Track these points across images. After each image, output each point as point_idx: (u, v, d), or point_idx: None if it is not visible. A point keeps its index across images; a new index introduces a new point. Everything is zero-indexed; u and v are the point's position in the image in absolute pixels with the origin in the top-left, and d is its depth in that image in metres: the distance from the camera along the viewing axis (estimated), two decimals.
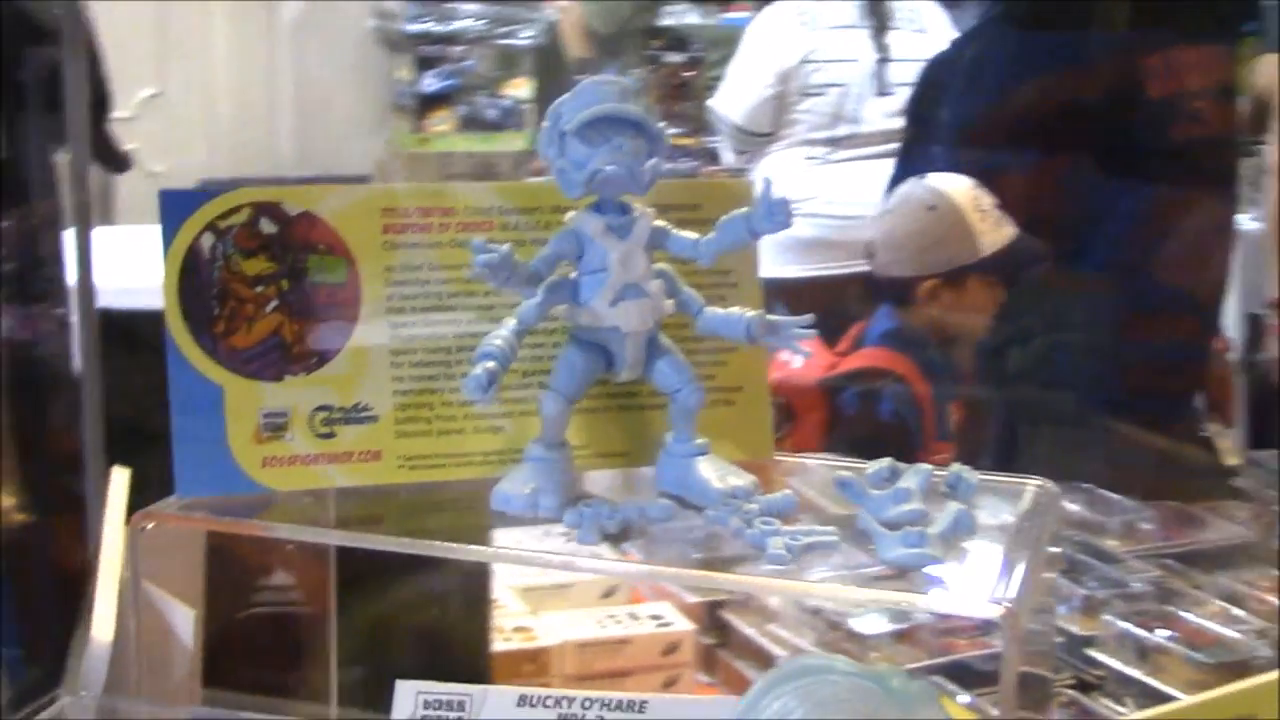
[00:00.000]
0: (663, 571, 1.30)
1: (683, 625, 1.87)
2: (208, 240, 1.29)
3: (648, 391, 1.34)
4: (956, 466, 1.28)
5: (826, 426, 2.57)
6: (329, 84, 5.36)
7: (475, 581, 1.70)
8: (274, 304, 1.29)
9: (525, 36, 5.28)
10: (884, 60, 4.19)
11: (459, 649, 1.71)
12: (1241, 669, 1.84)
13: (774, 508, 1.24)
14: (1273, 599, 2.10)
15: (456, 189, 1.34)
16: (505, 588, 1.87)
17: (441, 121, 5.25)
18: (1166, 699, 1.80)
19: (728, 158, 4.44)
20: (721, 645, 2.00)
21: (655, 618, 1.88)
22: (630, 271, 1.25)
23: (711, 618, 2.00)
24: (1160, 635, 1.92)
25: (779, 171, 4.16)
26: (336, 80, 5.38)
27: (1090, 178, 2.73)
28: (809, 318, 1.26)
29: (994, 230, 2.64)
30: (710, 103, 4.39)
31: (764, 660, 1.92)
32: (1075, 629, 1.97)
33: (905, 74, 4.17)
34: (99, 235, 2.16)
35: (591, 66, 4.69)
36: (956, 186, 2.66)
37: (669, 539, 1.25)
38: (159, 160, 4.90)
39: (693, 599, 1.98)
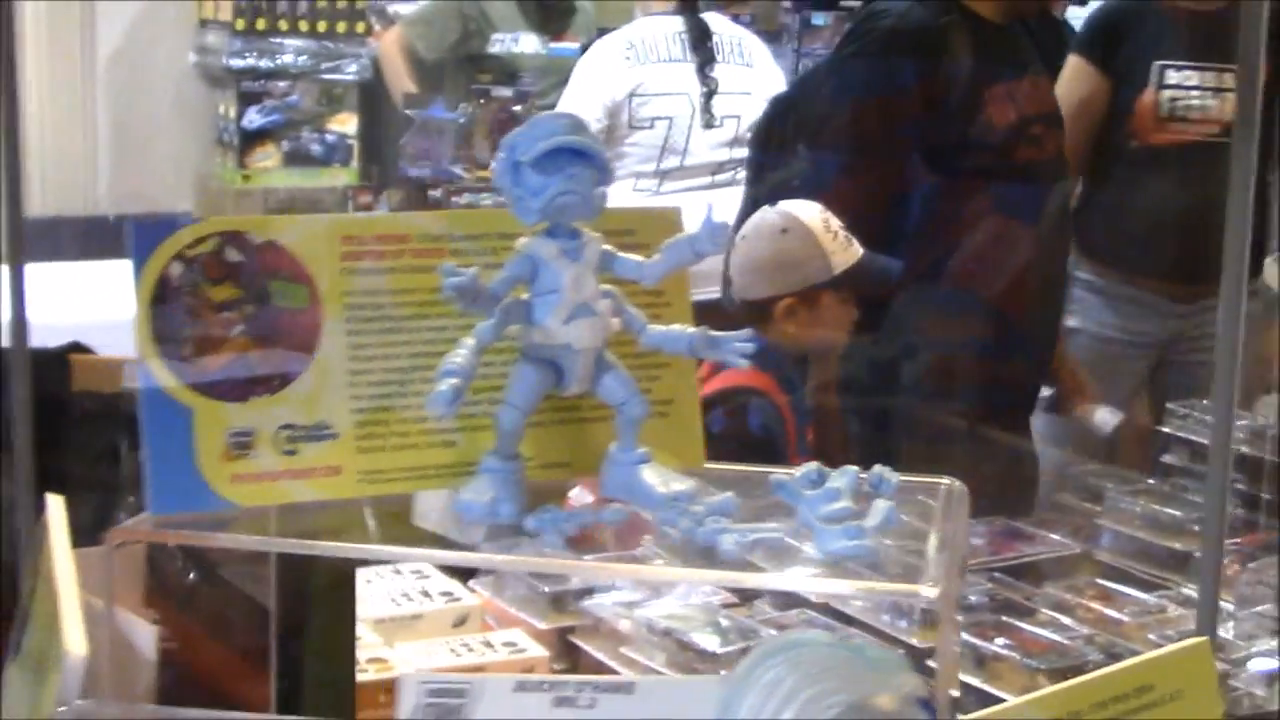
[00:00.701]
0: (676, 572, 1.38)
1: (536, 651, 1.89)
2: (176, 269, 1.35)
3: (589, 405, 1.43)
4: (878, 468, 1.39)
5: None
6: (149, 121, 5.32)
7: (342, 610, 1.74)
8: (239, 328, 1.35)
9: (350, 71, 5.32)
10: (710, 93, 4.31)
11: (326, 680, 1.74)
12: (1074, 673, 1.95)
13: (719, 509, 1.33)
14: (1098, 607, 2.22)
15: (410, 219, 1.42)
16: (360, 621, 1.88)
17: (266, 157, 5.26)
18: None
19: None
20: (572, 670, 2.01)
21: (509, 644, 1.90)
22: (581, 292, 1.35)
23: (562, 643, 2.02)
24: (997, 644, 1.99)
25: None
26: (156, 117, 5.35)
27: (937, 199, 2.85)
28: (748, 332, 1.37)
29: (844, 250, 2.76)
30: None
31: None
32: (914, 641, 2.04)
33: (731, 106, 4.32)
34: None
35: (418, 101, 4.76)
36: (807, 210, 2.78)
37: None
38: None
39: (544, 625, 2.02)
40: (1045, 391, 3.39)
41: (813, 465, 1.39)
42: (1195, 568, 2.40)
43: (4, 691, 1.45)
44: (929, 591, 1.22)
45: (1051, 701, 1.19)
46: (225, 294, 1.35)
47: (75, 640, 1.31)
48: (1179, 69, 3.43)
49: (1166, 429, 3.02)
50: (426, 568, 2.05)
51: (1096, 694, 1.23)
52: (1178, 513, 2.59)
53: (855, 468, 1.38)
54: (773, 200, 2.79)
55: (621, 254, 1.38)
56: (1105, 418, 3.25)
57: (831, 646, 1.01)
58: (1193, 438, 2.97)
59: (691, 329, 1.37)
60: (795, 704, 0.98)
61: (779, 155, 3.11)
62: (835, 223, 2.73)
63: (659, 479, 1.37)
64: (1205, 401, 3.28)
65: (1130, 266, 3.43)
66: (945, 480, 1.44)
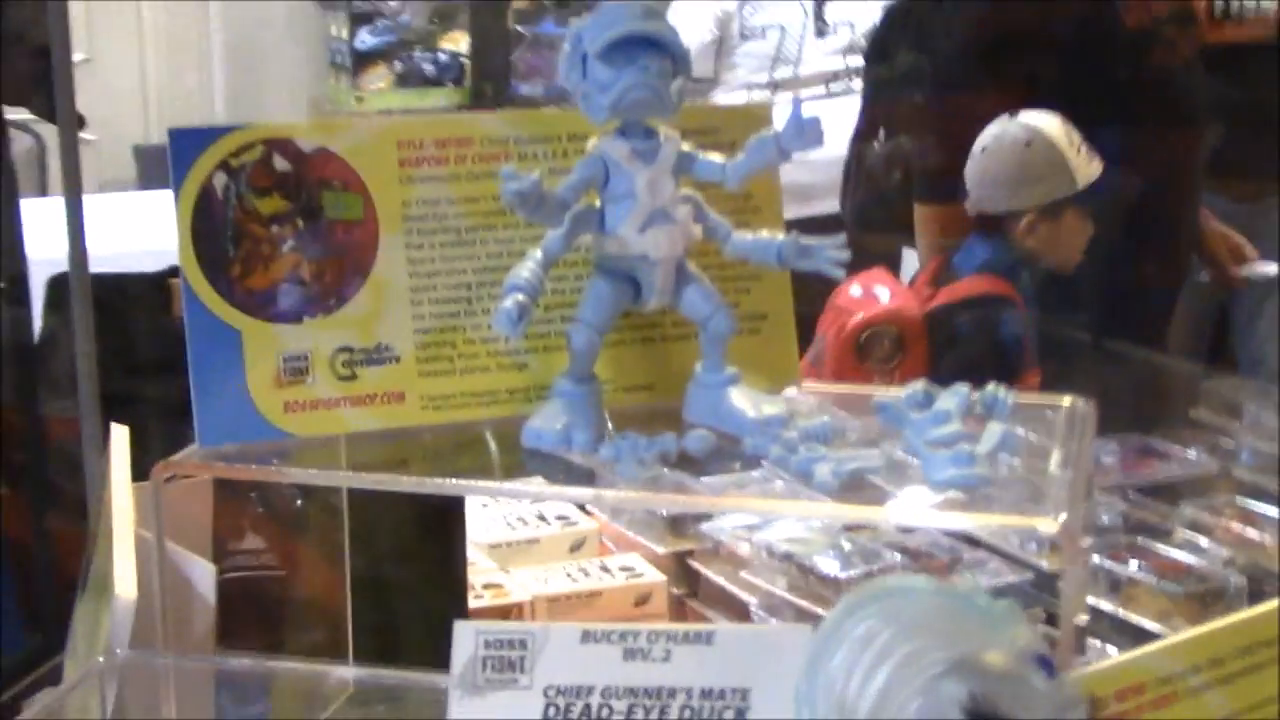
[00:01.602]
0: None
1: (653, 576, 1.81)
2: (220, 180, 1.23)
3: (670, 322, 1.30)
4: (992, 387, 1.24)
5: (933, 356, 2.57)
6: (262, 43, 5.23)
7: (452, 536, 1.66)
8: (290, 243, 1.24)
9: None
10: (822, 1, 4.14)
11: (437, 608, 1.67)
12: (1213, 598, 1.82)
13: (814, 434, 1.19)
14: (1238, 527, 2.09)
15: (472, 119, 1.29)
16: (473, 545, 1.83)
17: (378, 78, 5.15)
18: (1140, 631, 1.77)
19: None
20: (692, 595, 1.95)
21: (626, 569, 1.82)
22: (658, 197, 1.20)
23: (681, 567, 1.95)
24: (1132, 567, 1.89)
25: None
26: (269, 39, 5.25)
27: (1072, 113, 2.71)
28: (842, 239, 1.22)
29: (1087, 164, 2.69)
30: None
31: (735, 609, 1.88)
32: (1044, 564, 1.94)
33: (844, 13, 4.14)
34: (36, 205, 2.06)
35: (529, 16, 4.61)
36: (1049, 122, 2.69)
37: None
38: (91, 128, 4.76)
39: (662, 550, 1.94)
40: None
41: (919, 384, 1.24)
42: None
43: (75, 621, 1.37)
44: (1047, 525, 1.06)
45: (1187, 648, 1.04)
46: (273, 206, 1.23)
47: (126, 583, 1.21)
48: None
49: None
50: (542, 483, 1.96)
51: (1237, 639, 1.07)
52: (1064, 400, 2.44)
53: (966, 387, 1.22)
54: (893, 111, 2.69)
55: (701, 154, 1.23)
56: (1261, 269, 3.12)
57: (933, 594, 0.87)
58: None
59: (782, 235, 1.22)
60: (892, 660, 0.83)
61: (896, 64, 2.96)
62: (1077, 136, 2.67)
63: (749, 402, 1.23)
64: None
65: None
66: (1067, 399, 1.28)
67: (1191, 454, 2.37)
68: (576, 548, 1.90)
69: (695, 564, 1.94)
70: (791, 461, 1.16)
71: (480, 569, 1.78)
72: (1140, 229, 2.86)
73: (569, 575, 1.80)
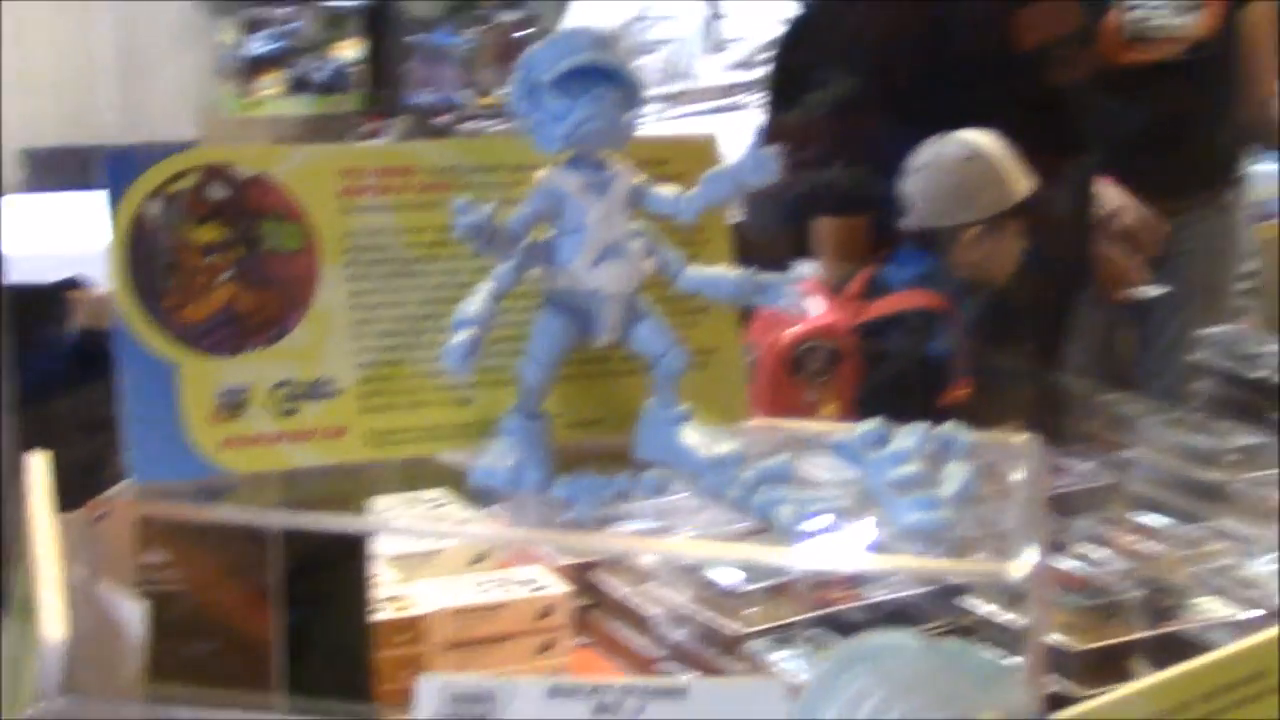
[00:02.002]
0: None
1: (557, 588, 1.78)
2: (155, 207, 1.17)
3: (619, 356, 1.25)
4: (949, 425, 1.21)
5: (865, 370, 2.56)
6: (151, 49, 5.11)
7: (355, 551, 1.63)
8: (228, 274, 1.18)
9: None
10: (715, 16, 4.11)
11: (341, 622, 1.63)
12: (1113, 611, 1.82)
13: (773, 474, 1.16)
14: (1134, 540, 2.09)
15: (416, 148, 1.24)
16: (375, 557, 1.81)
17: (270, 85, 5.05)
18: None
19: None
20: (595, 606, 1.93)
21: (528, 582, 1.79)
22: (610, 231, 1.16)
23: (583, 580, 1.92)
24: None
25: None
26: (158, 45, 5.13)
27: (960, 122, 2.71)
28: (799, 274, 1.18)
29: (1022, 179, 2.73)
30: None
31: (638, 620, 1.85)
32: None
33: (739, 28, 4.12)
34: None
35: (422, 26, 4.54)
36: (986, 139, 2.73)
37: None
38: None
39: (563, 561, 1.91)
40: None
41: (875, 422, 1.21)
42: (1232, 498, 2.27)
43: (2, 641, 1.30)
44: (1017, 571, 1.03)
45: (1157, 693, 1.01)
46: (210, 235, 1.18)
47: (55, 625, 1.14)
48: None
49: (1195, 356, 2.88)
50: (443, 497, 1.92)
51: (1206, 682, 1.05)
52: (1212, 442, 2.46)
53: (924, 424, 1.19)
54: (794, 125, 2.67)
55: (654, 187, 1.19)
56: (1144, 291, 3.16)
57: (925, 653, 0.83)
58: (1224, 365, 2.84)
59: (735, 271, 1.18)
60: None
61: (799, 79, 2.94)
62: (1010, 151, 2.70)
63: (702, 440, 1.19)
64: (1236, 327, 3.15)
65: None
66: (1019, 436, 1.25)
67: (1086, 467, 2.39)
68: (478, 560, 1.86)
69: (598, 576, 1.91)
70: (752, 503, 1.12)
71: (383, 581, 1.74)
72: (1034, 247, 2.87)
73: (472, 588, 1.77)
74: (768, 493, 1.13)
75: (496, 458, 1.17)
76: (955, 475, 1.13)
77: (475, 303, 1.14)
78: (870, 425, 1.21)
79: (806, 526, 1.10)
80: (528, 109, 1.15)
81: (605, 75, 1.14)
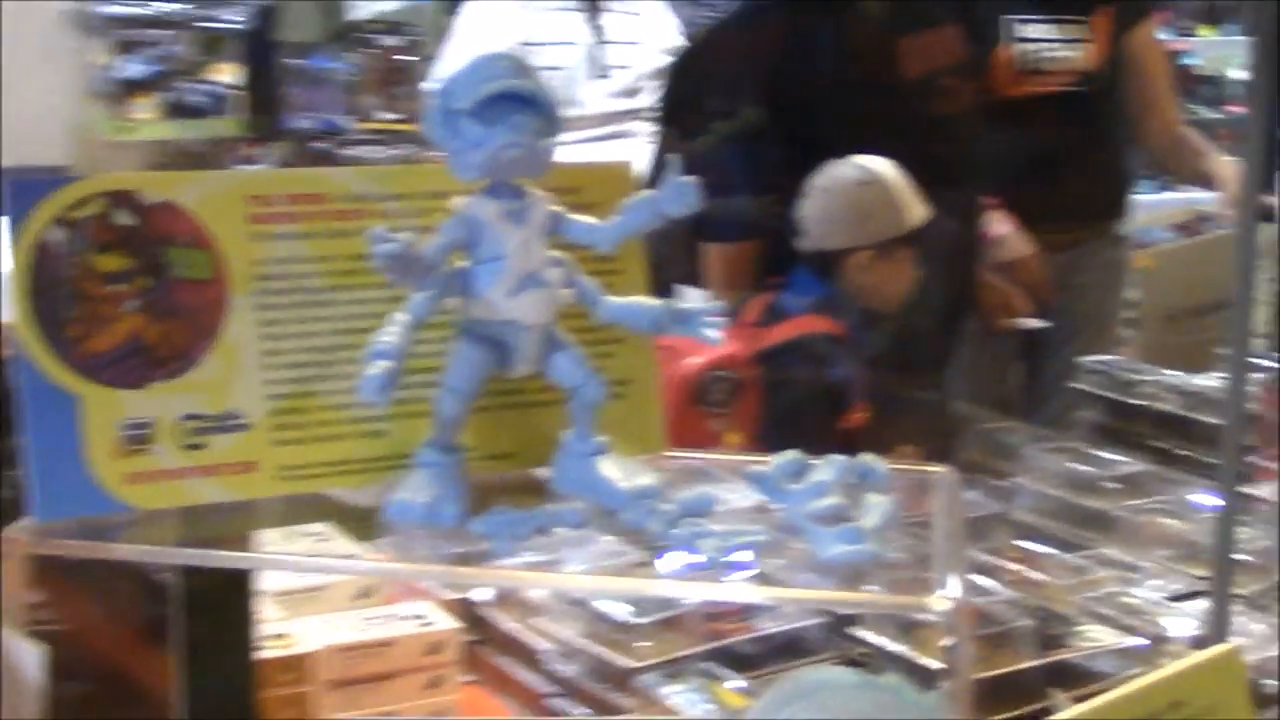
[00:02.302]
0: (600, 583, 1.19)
1: (445, 623, 1.75)
2: (58, 234, 1.12)
3: (535, 387, 1.23)
4: (866, 457, 1.20)
5: (764, 398, 2.54)
6: (19, 70, 4.98)
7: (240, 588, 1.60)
8: (133, 304, 1.14)
9: (231, 20, 5.02)
10: (600, 43, 4.10)
11: (225, 661, 1.59)
12: (1002, 640, 1.83)
13: (693, 507, 1.14)
14: (1019, 568, 2.11)
15: (328, 175, 1.21)
16: (259, 593, 1.77)
17: (144, 108, 4.96)
18: (928, 671, 1.76)
19: None
20: (483, 642, 1.90)
21: (416, 617, 1.75)
22: (529, 260, 1.14)
23: (471, 614, 1.89)
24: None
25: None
26: (27, 66, 5.01)
27: (846, 151, 2.71)
28: (720, 305, 1.17)
29: (916, 205, 2.71)
30: (425, 86, 4.23)
31: (527, 655, 1.82)
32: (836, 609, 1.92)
33: (621, 56, 4.11)
34: None
35: (302, 50, 4.48)
36: (882, 164, 2.71)
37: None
38: None
39: (452, 595, 1.87)
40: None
41: (791, 454, 1.20)
42: (1115, 527, 2.30)
43: None
44: (940, 604, 1.03)
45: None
46: (115, 263, 1.14)
47: None
48: (1029, 22, 3.37)
49: (1077, 385, 2.92)
50: (327, 532, 1.88)
51: (1126, 713, 1.05)
52: (1092, 470, 2.49)
53: (842, 457, 1.18)
54: (694, 154, 2.66)
55: (573, 215, 1.17)
56: (1032, 322, 3.18)
57: (862, 688, 0.82)
58: (1106, 394, 2.87)
59: (654, 301, 1.17)
60: None
61: (690, 107, 2.94)
62: (906, 179, 2.69)
63: (620, 472, 1.17)
64: (1117, 357, 3.19)
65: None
66: (937, 467, 1.25)
67: (971, 496, 2.40)
68: (364, 595, 1.82)
69: (487, 610, 1.88)
70: (674, 537, 1.10)
71: (266, 618, 1.68)
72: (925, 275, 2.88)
73: (359, 625, 1.73)
74: (690, 526, 1.11)
75: (411, 492, 1.14)
76: (877, 507, 1.12)
77: (390, 334, 1.11)
78: (787, 457, 1.20)
79: (730, 560, 1.08)
80: (444, 136, 1.13)
81: (524, 102, 1.12)
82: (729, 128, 2.78)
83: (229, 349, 1.16)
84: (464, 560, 1.15)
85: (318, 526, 1.89)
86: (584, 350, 1.19)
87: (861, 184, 2.69)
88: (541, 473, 1.23)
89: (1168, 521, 2.33)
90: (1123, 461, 2.53)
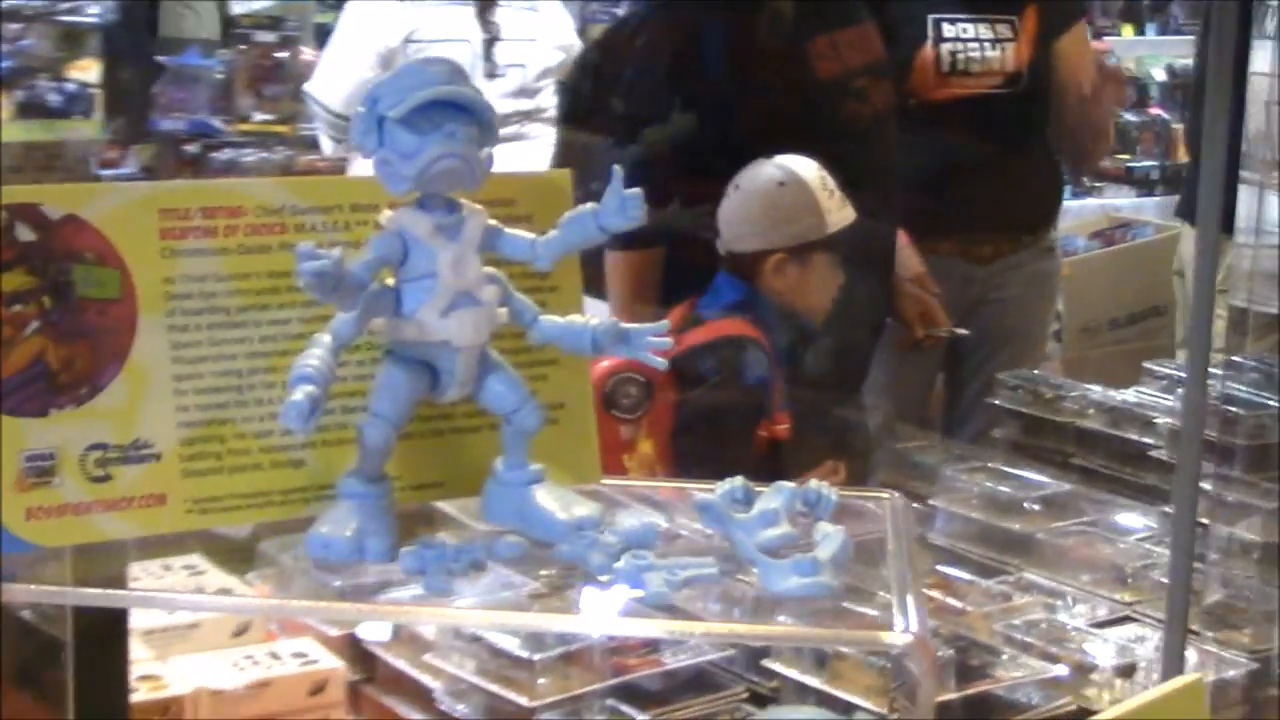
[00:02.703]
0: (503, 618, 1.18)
1: (329, 662, 1.75)
2: None
3: (463, 412, 1.23)
4: (815, 483, 1.21)
5: (680, 402, 2.53)
6: None
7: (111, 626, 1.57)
8: (35, 325, 1.12)
9: (91, 13, 4.94)
10: (492, 40, 4.10)
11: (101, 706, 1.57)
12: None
13: (636, 539, 1.14)
14: (939, 595, 2.13)
15: (245, 187, 1.20)
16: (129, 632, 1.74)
17: None
18: (849, 705, 1.77)
19: (327, 147, 4.26)
20: (369, 681, 1.88)
21: (298, 655, 1.76)
22: (462, 277, 1.14)
23: (357, 651, 1.87)
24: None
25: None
26: None
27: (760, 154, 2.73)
28: (664, 324, 1.17)
29: (839, 209, 2.71)
30: (306, 87, 4.21)
31: (417, 695, 1.81)
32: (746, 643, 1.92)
33: (515, 54, 4.11)
34: None
35: (170, 46, 4.43)
36: (804, 166, 2.71)
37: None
38: None
39: (335, 632, 1.86)
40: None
41: (737, 481, 1.20)
42: (1038, 550, 2.33)
43: None
44: (900, 639, 1.04)
45: None
46: (16, 281, 1.12)
47: None
48: (954, 21, 3.39)
49: (996, 401, 2.95)
50: (201, 562, 1.85)
51: None
52: (1013, 491, 2.53)
53: (790, 484, 1.19)
54: (584, 156, 2.67)
55: (508, 230, 1.17)
56: (944, 333, 3.21)
57: None
58: (1024, 410, 2.91)
59: (593, 320, 1.17)
60: None
61: (592, 109, 2.94)
62: (831, 182, 2.69)
63: (557, 502, 1.18)
64: (1035, 372, 3.23)
65: (924, 231, 3.31)
66: (885, 493, 1.26)
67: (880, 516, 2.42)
68: (241, 632, 1.82)
69: (374, 647, 1.86)
70: (617, 570, 1.10)
71: (136, 659, 1.67)
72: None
73: (235, 664, 1.73)
74: (633, 559, 1.11)
75: (335, 526, 1.13)
76: (831, 537, 1.13)
77: (314, 356, 1.10)
78: (732, 484, 1.21)
79: (675, 597, 1.08)
80: (372, 146, 1.12)
81: (458, 109, 1.12)
82: (661, 134, 2.79)
83: (138, 373, 1.15)
84: (353, 594, 1.13)
85: (190, 558, 1.87)
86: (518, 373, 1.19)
87: (779, 185, 2.69)
88: (470, 502, 1.22)
89: (1092, 544, 2.37)
90: (1045, 482, 2.58)
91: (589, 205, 1.16)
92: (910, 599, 1.10)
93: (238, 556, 1.88)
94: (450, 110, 1.11)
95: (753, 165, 2.72)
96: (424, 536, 1.14)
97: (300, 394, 1.07)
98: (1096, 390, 2.89)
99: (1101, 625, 2.11)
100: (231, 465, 1.17)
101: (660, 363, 1.17)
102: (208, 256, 1.17)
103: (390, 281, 1.15)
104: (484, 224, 1.16)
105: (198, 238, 1.17)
